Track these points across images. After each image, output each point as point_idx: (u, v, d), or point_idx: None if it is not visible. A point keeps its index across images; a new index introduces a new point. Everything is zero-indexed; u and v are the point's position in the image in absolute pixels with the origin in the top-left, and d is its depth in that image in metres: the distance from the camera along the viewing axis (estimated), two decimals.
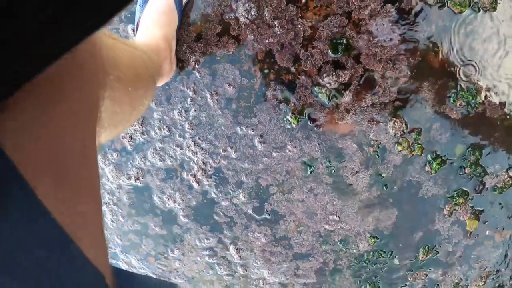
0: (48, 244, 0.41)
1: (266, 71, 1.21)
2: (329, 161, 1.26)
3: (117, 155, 1.34)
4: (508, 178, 1.28)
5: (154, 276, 1.52)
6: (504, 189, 1.30)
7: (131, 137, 1.30)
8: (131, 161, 1.34)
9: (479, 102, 1.19)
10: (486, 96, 1.19)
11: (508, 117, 1.21)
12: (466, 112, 1.20)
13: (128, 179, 1.36)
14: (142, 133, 1.30)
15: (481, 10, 1.13)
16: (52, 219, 0.41)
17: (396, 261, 1.40)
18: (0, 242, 0.37)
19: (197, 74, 1.22)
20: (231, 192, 1.33)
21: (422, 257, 1.39)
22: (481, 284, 1.46)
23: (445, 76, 1.17)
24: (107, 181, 1.38)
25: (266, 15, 1.17)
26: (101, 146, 1.33)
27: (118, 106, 0.78)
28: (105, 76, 0.61)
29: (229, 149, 1.28)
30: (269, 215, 1.35)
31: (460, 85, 1.17)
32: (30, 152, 0.42)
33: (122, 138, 1.31)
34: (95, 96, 0.55)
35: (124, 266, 1.53)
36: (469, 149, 1.24)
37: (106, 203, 1.42)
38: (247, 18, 1.18)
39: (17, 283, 0.38)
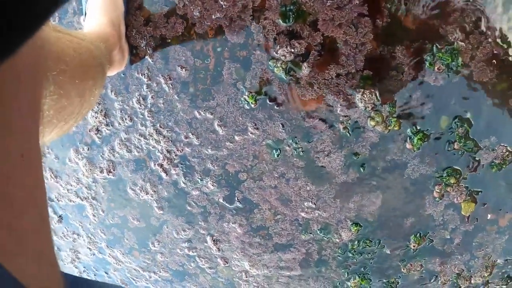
0: None
1: (219, 49, 1.11)
2: (296, 142, 1.14)
3: (88, 149, 1.32)
4: (507, 153, 1.08)
5: (139, 269, 1.48)
6: (504, 165, 1.09)
7: (97, 130, 1.27)
8: (101, 154, 1.31)
9: (462, 64, 1.01)
10: (472, 56, 1.00)
11: (501, 79, 1.02)
12: (448, 77, 1.02)
13: (101, 172, 1.33)
14: (107, 125, 1.26)
15: None
16: None
17: (386, 251, 1.24)
18: None
19: (150, 60, 1.16)
20: (199, 180, 1.26)
21: (414, 246, 1.22)
22: (486, 275, 1.26)
23: (421, 38, 1.01)
24: (83, 176, 1.37)
25: None
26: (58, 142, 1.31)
27: (66, 100, 0.75)
28: (46, 72, 0.58)
29: (190, 135, 1.20)
30: (241, 203, 1.26)
31: (437, 46, 1.00)
32: None
33: (90, 131, 1.29)
34: (36, 98, 0.52)
35: (111, 261, 1.51)
36: (456, 120, 1.06)
37: (85, 198, 1.41)
38: None
39: None
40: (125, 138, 1.26)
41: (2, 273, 0.40)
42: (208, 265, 1.40)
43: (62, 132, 0.83)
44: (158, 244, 1.41)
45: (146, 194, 1.32)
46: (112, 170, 1.32)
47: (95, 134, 1.28)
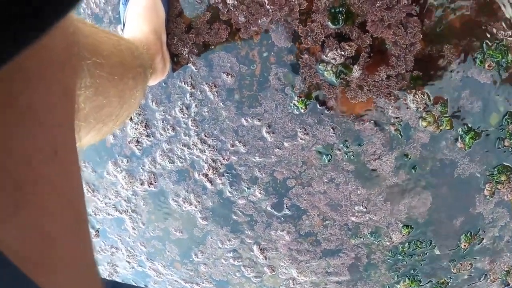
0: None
1: (265, 54, 1.10)
2: (347, 146, 1.13)
3: (128, 161, 1.29)
4: None
5: (181, 281, 1.46)
6: None
7: (137, 141, 1.25)
8: (142, 166, 1.29)
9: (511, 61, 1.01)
10: None
11: None
12: (498, 74, 1.02)
13: (141, 184, 1.31)
14: (148, 136, 1.24)
15: None
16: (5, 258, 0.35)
17: (436, 252, 1.24)
18: None
19: (193, 67, 1.14)
20: (246, 189, 1.24)
21: (465, 245, 1.22)
22: None
23: (469, 36, 1.00)
24: (122, 188, 1.35)
25: None
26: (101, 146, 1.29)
27: (104, 98, 0.72)
28: (80, 60, 0.55)
29: (237, 143, 1.19)
30: (289, 210, 1.25)
31: (487, 43, 1.00)
32: None
33: (129, 143, 1.26)
34: (69, 86, 0.48)
35: (152, 273, 1.49)
36: (506, 117, 1.06)
37: (124, 211, 1.39)
38: None
39: None
40: (167, 149, 1.24)
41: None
42: (254, 274, 1.38)
43: (101, 135, 0.81)
44: (202, 255, 1.39)
45: (190, 205, 1.30)
46: (153, 182, 1.30)
47: (135, 145, 1.26)
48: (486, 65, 1.01)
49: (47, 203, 0.40)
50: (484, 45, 1.00)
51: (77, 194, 0.47)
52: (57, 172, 0.42)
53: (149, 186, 1.31)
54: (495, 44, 1.00)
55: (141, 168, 1.29)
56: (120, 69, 0.78)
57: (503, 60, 1.00)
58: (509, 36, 1.01)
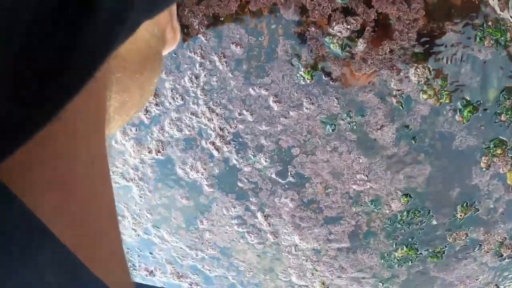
0: (58, 269, 0.38)
1: (273, 26, 1.14)
2: (350, 117, 1.18)
3: (136, 130, 1.33)
4: None
5: (186, 248, 1.51)
6: None
7: (146, 110, 1.29)
8: (150, 134, 1.33)
9: (510, 39, 1.06)
10: None
11: None
12: (496, 51, 1.07)
13: (149, 152, 1.35)
14: (157, 105, 1.28)
15: None
16: (61, 244, 0.39)
17: (433, 221, 1.30)
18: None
19: (203, 38, 1.18)
20: (252, 157, 1.29)
21: (461, 215, 1.28)
22: None
23: (470, 13, 1.05)
24: (130, 157, 1.38)
25: None
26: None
27: (127, 95, 0.76)
28: (110, 74, 0.57)
29: (244, 112, 1.23)
30: (293, 178, 1.30)
31: (486, 22, 1.04)
32: (30, 177, 0.39)
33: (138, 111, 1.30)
34: (101, 102, 0.51)
35: (157, 241, 1.54)
36: (503, 92, 1.11)
37: (132, 179, 1.43)
38: None
39: None
40: (175, 118, 1.28)
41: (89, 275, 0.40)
42: (257, 240, 1.44)
43: (123, 124, 0.84)
44: (207, 222, 1.44)
45: (197, 172, 1.34)
46: (161, 150, 1.34)
47: (144, 114, 1.30)
48: (486, 43, 1.06)
49: (90, 201, 0.44)
50: (484, 23, 1.05)
51: (109, 196, 0.50)
52: (95, 174, 0.47)
53: (157, 154, 1.35)
54: (495, 23, 1.05)
55: (149, 136, 1.33)
56: (140, 66, 0.81)
57: (502, 38, 1.05)
58: (510, 17, 1.06)
